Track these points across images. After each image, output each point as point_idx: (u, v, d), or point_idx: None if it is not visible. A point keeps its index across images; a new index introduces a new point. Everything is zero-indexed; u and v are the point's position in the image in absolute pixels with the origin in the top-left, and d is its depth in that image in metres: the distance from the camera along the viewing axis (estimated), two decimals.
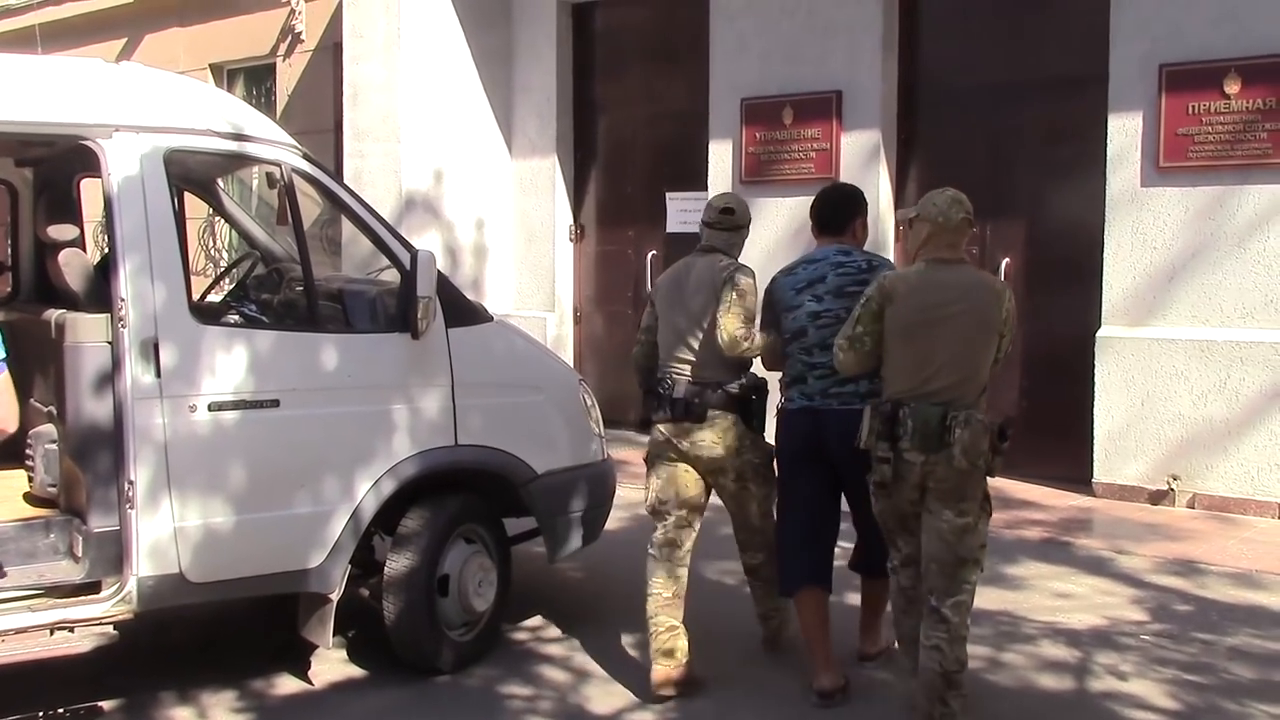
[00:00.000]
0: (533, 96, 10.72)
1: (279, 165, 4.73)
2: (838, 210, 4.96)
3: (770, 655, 5.13)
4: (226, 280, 6.13)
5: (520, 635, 5.43)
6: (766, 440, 4.85)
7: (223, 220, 5.98)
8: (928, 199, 4.45)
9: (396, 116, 10.27)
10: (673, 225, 9.88)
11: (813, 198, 5.10)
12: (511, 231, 10.91)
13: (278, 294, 5.32)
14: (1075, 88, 8.05)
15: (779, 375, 4.88)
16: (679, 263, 5.03)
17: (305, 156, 4.83)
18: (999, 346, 4.34)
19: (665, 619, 4.72)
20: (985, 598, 5.81)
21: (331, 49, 11.62)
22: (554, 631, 5.50)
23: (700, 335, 4.76)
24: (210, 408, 4.40)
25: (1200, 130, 7.41)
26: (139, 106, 4.45)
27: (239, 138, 4.64)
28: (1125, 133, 7.69)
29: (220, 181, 5.93)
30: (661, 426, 4.80)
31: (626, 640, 5.31)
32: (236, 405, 4.45)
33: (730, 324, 4.64)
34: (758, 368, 4.91)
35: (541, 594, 5.91)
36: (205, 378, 4.40)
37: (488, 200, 10.80)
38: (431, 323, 4.77)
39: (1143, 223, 7.64)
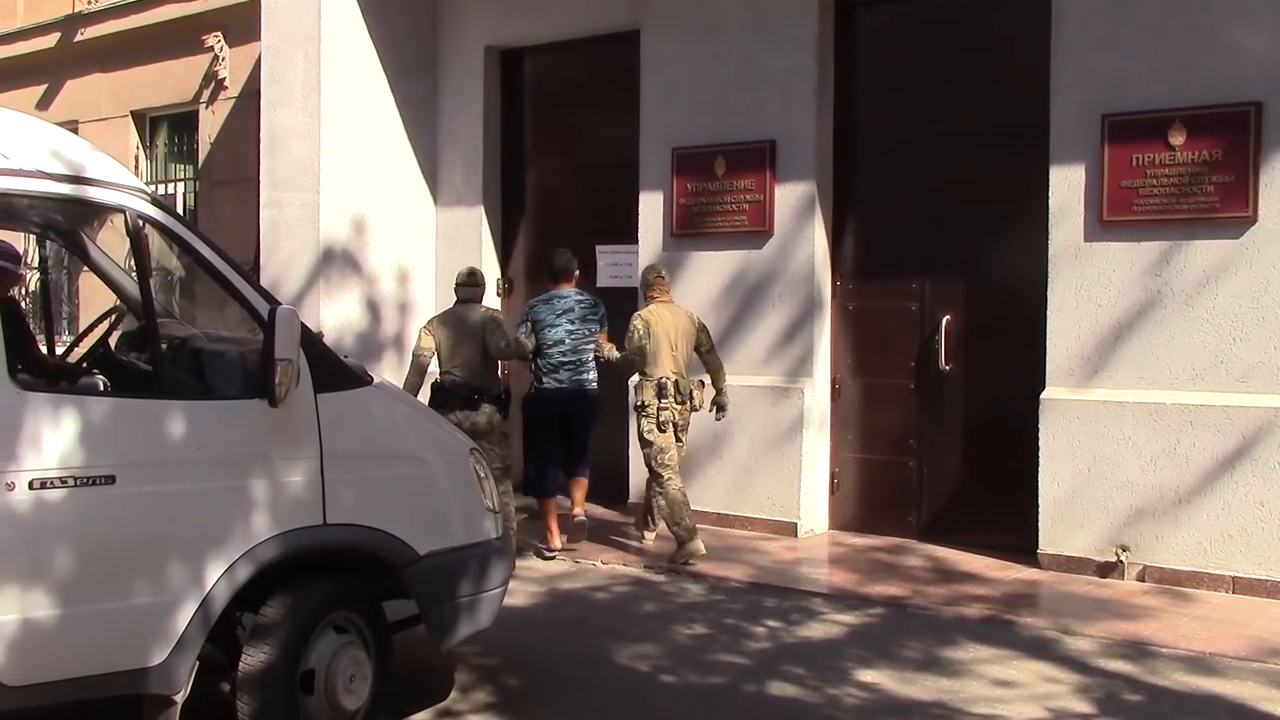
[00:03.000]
0: (459, 145, 10.28)
1: (123, 211, 4.24)
2: (568, 266, 7.90)
3: None
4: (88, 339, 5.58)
5: None
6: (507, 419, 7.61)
7: (91, 272, 5.44)
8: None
9: (316, 165, 9.78)
10: (603, 279, 9.44)
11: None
12: (436, 285, 10.42)
13: (140, 354, 4.81)
14: (1016, 139, 7.70)
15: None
16: (451, 311, 7.65)
17: (154, 201, 4.34)
18: (703, 344, 7.78)
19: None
20: (920, 686, 5.36)
21: (255, 96, 11.13)
22: None
23: (477, 357, 7.43)
24: (32, 485, 3.86)
25: (1145, 183, 7.07)
26: None
27: (75, 180, 4.14)
28: (1067, 185, 7.33)
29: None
30: (454, 414, 7.09)
31: None
32: (64, 483, 3.92)
33: (504, 338, 7.51)
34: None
35: (428, 685, 5.36)
36: (27, 452, 3.86)
37: (411, 253, 10.33)
38: (293, 387, 4.26)
39: (1087, 279, 7.27)
